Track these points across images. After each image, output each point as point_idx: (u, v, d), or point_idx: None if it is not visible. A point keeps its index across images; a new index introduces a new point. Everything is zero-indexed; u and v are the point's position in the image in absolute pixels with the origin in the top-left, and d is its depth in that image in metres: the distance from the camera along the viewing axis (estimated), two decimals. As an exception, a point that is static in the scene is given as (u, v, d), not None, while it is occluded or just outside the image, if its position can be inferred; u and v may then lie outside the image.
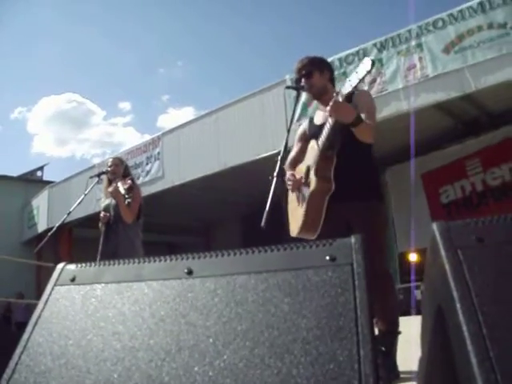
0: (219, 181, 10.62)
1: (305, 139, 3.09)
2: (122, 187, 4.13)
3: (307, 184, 2.85)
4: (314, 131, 2.99)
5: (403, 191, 10.11)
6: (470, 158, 9.65)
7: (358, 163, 2.80)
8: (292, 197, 3.00)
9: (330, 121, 2.67)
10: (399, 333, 2.77)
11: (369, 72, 2.43)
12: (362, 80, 2.44)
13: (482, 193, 9.58)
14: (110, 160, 4.64)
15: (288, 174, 3.00)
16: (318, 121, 3.05)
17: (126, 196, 4.09)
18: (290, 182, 2.96)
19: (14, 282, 14.06)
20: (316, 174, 2.77)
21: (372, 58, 2.49)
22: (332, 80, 3.11)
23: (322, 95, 3.01)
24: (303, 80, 2.96)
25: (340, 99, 2.53)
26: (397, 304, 2.91)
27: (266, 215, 2.45)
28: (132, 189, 4.21)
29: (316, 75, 2.98)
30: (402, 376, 2.65)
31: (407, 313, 8.22)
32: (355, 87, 2.44)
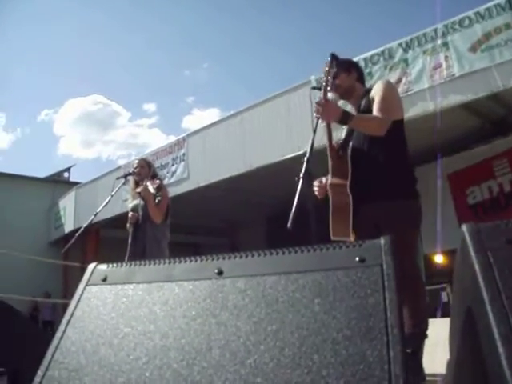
0: (244, 182, 10.62)
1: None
2: (151, 186, 4.18)
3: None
4: (346, 132, 3.01)
5: (429, 192, 9.99)
6: (498, 159, 9.50)
7: (379, 161, 2.76)
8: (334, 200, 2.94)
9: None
10: (427, 335, 2.70)
11: (329, 65, 2.71)
12: (326, 75, 2.69)
13: (510, 194, 9.43)
14: (136, 162, 4.69)
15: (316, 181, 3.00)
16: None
17: (156, 195, 4.15)
18: (316, 188, 2.94)
19: (41, 281, 14.27)
20: (332, 169, 2.80)
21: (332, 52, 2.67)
22: (361, 79, 3.11)
23: (349, 95, 3.02)
24: (330, 81, 2.96)
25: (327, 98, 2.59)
26: (425, 306, 2.83)
27: (292, 216, 2.45)
28: (161, 188, 4.26)
29: (342, 76, 2.99)
30: (427, 379, 2.63)
31: (433, 315, 8.14)
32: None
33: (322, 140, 3.13)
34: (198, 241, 16.82)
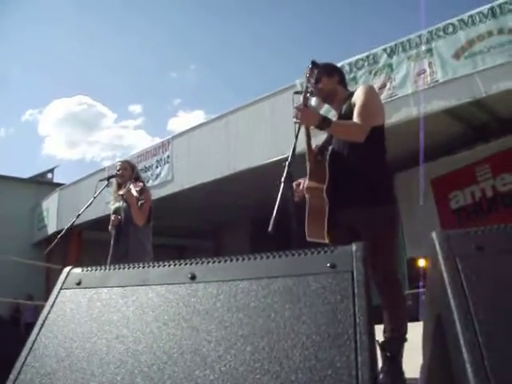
0: (229, 184, 10.62)
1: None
2: (133, 189, 4.16)
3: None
4: (327, 136, 3.02)
5: (412, 197, 10.06)
6: (480, 164, 9.59)
7: (358, 166, 2.76)
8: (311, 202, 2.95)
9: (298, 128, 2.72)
10: (406, 339, 2.72)
11: (309, 72, 2.80)
12: (307, 81, 2.78)
13: (492, 199, 9.52)
14: (119, 164, 4.67)
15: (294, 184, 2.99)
16: None
17: (139, 198, 4.13)
18: (296, 193, 2.93)
19: (23, 283, 14.14)
20: (309, 172, 2.80)
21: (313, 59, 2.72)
22: (343, 83, 3.12)
23: (332, 98, 3.04)
24: (312, 86, 2.98)
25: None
26: (405, 310, 2.85)
27: (273, 220, 2.46)
28: (143, 191, 4.24)
29: (324, 79, 3.00)
30: (411, 383, 2.63)
31: (415, 319, 8.19)
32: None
33: (304, 144, 3.15)
34: (183, 243, 16.78)
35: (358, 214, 2.70)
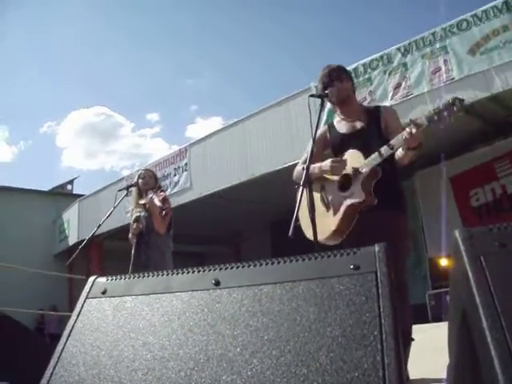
0: (247, 190, 10.64)
1: (324, 144, 3.13)
2: (156, 199, 4.19)
3: (344, 192, 2.86)
4: (339, 139, 3.01)
5: (432, 195, 9.99)
6: (500, 160, 9.49)
7: (385, 175, 2.80)
8: (316, 200, 2.97)
9: (392, 142, 2.71)
10: (413, 339, 2.82)
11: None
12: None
13: (514, 195, 9.42)
14: (143, 172, 4.71)
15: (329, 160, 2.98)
16: (342, 129, 3.08)
17: (163, 207, 4.17)
18: (336, 164, 2.92)
19: (46, 294, 14.28)
20: (363, 188, 2.78)
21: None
22: (353, 89, 3.14)
23: (343, 103, 3.05)
24: (327, 88, 3.00)
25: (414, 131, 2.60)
26: (410, 312, 2.92)
27: (293, 224, 2.47)
28: (166, 200, 4.29)
29: (336, 84, 3.01)
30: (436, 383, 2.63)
31: (438, 318, 8.12)
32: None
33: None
34: (203, 250, 16.83)
35: (380, 217, 2.74)
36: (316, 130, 2.88)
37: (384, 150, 2.73)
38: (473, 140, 9.61)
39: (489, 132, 9.49)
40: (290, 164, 9.00)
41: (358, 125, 3.03)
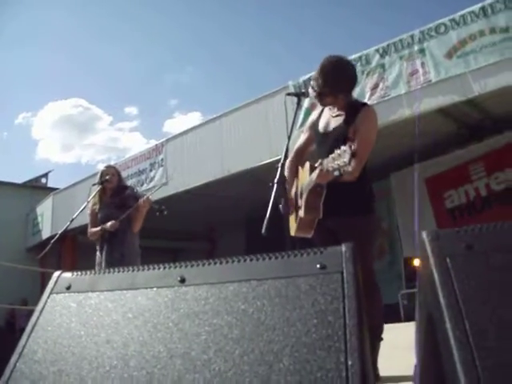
0: (223, 187, 10.62)
1: (314, 131, 3.07)
2: (148, 200, 4.29)
3: (298, 202, 2.90)
4: (317, 139, 3.00)
5: (408, 196, 10.04)
6: (474, 163, 9.61)
7: (344, 183, 2.73)
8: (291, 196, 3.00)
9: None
10: (382, 338, 2.87)
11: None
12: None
13: (486, 197, 9.54)
14: (106, 169, 4.67)
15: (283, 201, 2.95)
16: (321, 127, 3.01)
17: (161, 208, 4.29)
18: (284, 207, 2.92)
19: (18, 288, 14.09)
20: (305, 204, 2.78)
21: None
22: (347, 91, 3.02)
23: (332, 105, 2.99)
24: (314, 94, 2.96)
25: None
26: (381, 311, 2.94)
27: (266, 222, 2.47)
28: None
29: (329, 98, 2.94)
30: (403, 382, 2.64)
31: (411, 318, 8.18)
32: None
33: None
34: (177, 246, 16.74)
35: (341, 222, 2.81)
36: (292, 129, 2.88)
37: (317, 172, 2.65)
38: (448, 142, 9.72)
39: (464, 135, 9.61)
40: (267, 162, 9.01)
41: (333, 124, 2.95)
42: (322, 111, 3.09)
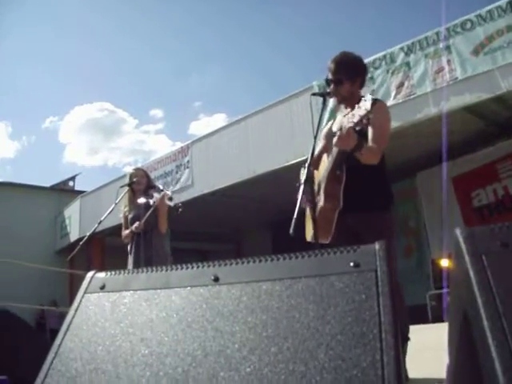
0: (249, 188, 10.65)
1: (330, 138, 3.12)
2: (166, 199, 4.27)
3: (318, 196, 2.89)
4: (331, 137, 2.98)
5: (434, 196, 9.98)
6: (502, 161, 9.47)
7: (364, 176, 2.80)
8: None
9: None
10: (409, 338, 2.84)
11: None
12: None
13: (516, 196, 9.41)
14: (134, 172, 4.71)
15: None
16: (335, 127, 3.06)
17: (177, 206, 4.27)
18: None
19: (47, 290, 14.31)
20: (325, 192, 2.79)
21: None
22: (362, 85, 3.10)
23: (348, 101, 3.01)
24: (331, 86, 2.98)
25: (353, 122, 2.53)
26: (405, 310, 2.93)
27: (294, 222, 2.47)
28: (172, 199, 4.36)
29: (346, 84, 2.97)
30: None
31: (439, 319, 8.11)
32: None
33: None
34: (204, 247, 16.84)
35: (362, 219, 2.79)
36: (318, 129, 2.88)
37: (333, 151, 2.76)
38: (476, 141, 9.60)
39: (491, 133, 9.47)
40: (292, 163, 9.00)
41: (346, 122, 2.98)
42: (335, 120, 3.16)
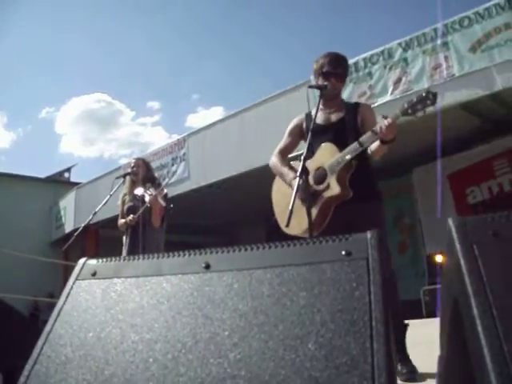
0: (245, 181, 10.63)
1: (300, 134, 3.24)
2: (160, 197, 4.22)
3: (319, 185, 2.89)
4: (316, 130, 2.95)
5: (430, 192, 9.99)
6: (498, 158, 9.50)
7: (361, 171, 2.87)
8: (288, 192, 2.94)
9: (362, 139, 2.77)
10: (407, 324, 2.85)
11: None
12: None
13: (510, 193, 9.43)
14: (133, 161, 4.70)
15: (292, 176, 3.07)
16: (321, 120, 3.11)
17: (168, 207, 4.25)
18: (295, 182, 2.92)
19: (42, 281, 14.30)
20: (339, 181, 2.80)
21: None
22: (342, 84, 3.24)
23: (329, 97, 3.08)
24: (331, 79, 3.04)
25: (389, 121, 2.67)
26: (398, 298, 2.92)
27: (288, 215, 2.47)
28: (166, 196, 4.33)
29: (342, 81, 3.15)
30: (429, 379, 2.63)
31: (432, 314, 8.13)
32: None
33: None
34: (198, 240, 16.80)
35: (356, 209, 2.81)
36: (314, 121, 2.88)
37: (354, 146, 2.77)
38: (472, 138, 9.61)
39: (487, 130, 9.48)
40: (289, 156, 8.99)
41: (334, 117, 3.10)
42: (309, 114, 3.22)
